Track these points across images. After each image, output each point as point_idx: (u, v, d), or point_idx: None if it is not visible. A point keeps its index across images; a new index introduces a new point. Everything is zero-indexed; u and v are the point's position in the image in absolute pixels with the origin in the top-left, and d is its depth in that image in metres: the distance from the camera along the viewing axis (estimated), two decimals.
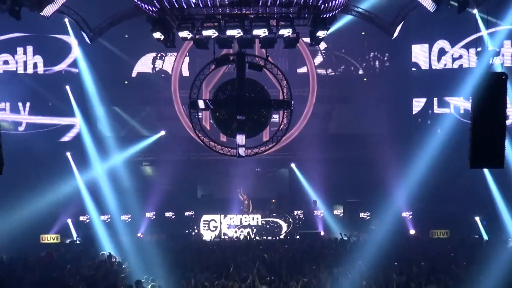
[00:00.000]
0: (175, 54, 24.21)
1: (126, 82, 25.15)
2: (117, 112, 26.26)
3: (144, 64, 26.34)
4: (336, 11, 15.41)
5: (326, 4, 14.50)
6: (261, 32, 14.51)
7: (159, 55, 25.19)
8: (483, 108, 9.10)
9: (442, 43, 23.93)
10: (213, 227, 23.44)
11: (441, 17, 19.58)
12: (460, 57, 23.76)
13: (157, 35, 15.13)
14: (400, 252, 18.23)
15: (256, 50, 17.05)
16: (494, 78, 9.09)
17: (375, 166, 23.37)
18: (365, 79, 24.85)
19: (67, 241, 22.45)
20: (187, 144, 23.65)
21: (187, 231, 23.05)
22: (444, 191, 23.20)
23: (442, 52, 24.00)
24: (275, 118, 20.54)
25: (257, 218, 23.49)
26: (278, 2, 14.32)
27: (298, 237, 23.05)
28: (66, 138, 25.77)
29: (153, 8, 14.74)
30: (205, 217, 23.54)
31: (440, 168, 22.56)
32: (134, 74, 26.28)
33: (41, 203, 22.52)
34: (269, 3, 14.28)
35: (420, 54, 24.03)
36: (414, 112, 25.04)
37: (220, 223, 23.42)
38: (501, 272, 14.72)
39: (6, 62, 24.96)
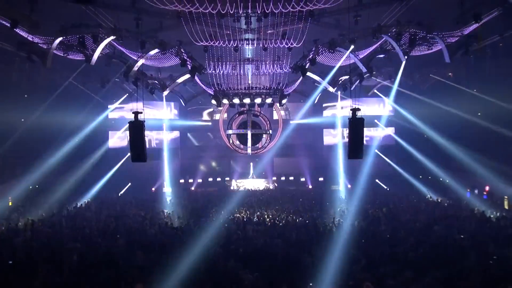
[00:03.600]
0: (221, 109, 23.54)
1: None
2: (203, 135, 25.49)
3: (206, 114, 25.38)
4: (289, 92, 15.50)
5: (285, 89, 14.68)
6: (258, 100, 14.61)
7: (213, 110, 24.77)
8: (353, 132, 9.04)
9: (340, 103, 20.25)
10: (237, 184, 22.77)
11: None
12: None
13: (213, 101, 15.16)
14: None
15: (256, 108, 16.98)
16: (358, 120, 9.05)
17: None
18: None
19: None
20: (224, 148, 23.18)
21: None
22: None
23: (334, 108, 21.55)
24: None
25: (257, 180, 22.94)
26: (265, 88, 14.46)
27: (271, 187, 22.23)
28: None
29: (211, 90, 14.79)
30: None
31: None
32: (203, 118, 25.22)
33: None
34: (261, 89, 14.41)
35: (328, 111, 22.19)
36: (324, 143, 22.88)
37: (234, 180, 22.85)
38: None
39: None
